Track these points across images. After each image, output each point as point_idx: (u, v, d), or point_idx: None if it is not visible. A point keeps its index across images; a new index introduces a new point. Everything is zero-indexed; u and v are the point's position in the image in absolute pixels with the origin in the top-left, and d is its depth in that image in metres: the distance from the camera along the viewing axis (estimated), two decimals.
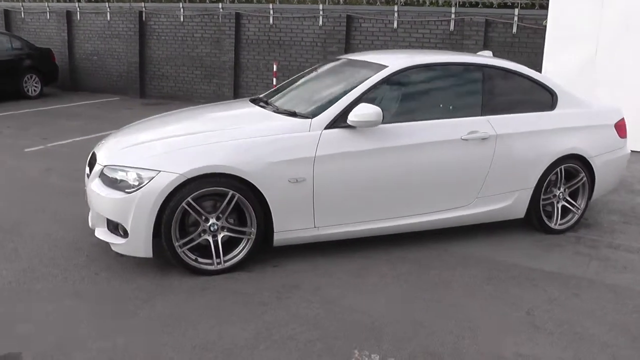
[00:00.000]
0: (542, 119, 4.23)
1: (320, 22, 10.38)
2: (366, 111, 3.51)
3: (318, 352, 2.72)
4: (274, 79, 10.36)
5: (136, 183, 3.30)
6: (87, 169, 3.83)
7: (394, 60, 3.94)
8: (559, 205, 4.40)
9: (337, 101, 3.69)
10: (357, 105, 3.61)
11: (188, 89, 11.58)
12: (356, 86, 3.76)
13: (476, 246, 4.09)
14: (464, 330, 2.95)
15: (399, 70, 3.86)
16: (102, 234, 3.51)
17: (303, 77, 4.72)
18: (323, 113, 3.63)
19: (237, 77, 11.09)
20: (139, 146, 3.57)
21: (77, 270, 3.51)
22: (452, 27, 9.61)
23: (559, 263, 3.88)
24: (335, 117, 3.62)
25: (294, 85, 4.56)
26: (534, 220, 4.33)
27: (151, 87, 11.88)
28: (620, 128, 4.59)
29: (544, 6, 9.21)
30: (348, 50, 10.29)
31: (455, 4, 9.70)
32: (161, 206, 3.27)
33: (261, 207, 3.45)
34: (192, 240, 3.40)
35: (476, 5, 9.76)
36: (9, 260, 3.65)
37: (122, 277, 3.43)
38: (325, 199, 3.58)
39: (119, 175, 3.39)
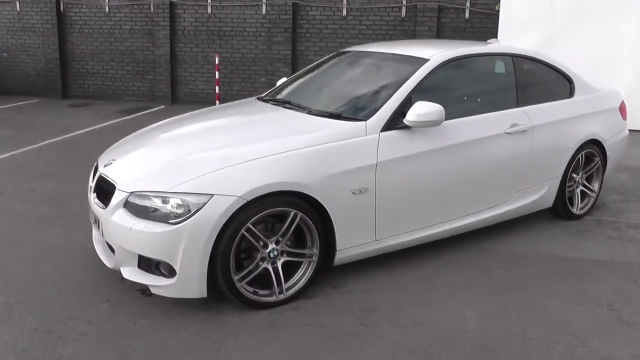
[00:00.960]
0: (565, 106, 4.20)
1: (264, 11, 9.86)
2: (427, 110, 3.22)
3: None
4: (217, 73, 9.70)
5: (180, 211, 2.77)
6: (92, 182, 3.28)
7: (433, 53, 3.67)
8: (578, 191, 4.44)
9: (386, 101, 3.35)
10: (408, 103, 3.32)
11: (118, 87, 10.52)
12: (401, 82, 3.45)
13: (514, 242, 3.97)
14: (569, 337, 2.80)
15: (441, 63, 3.60)
16: (133, 274, 2.94)
17: (311, 72, 4.33)
18: (376, 114, 3.29)
19: (174, 72, 10.26)
20: (172, 165, 3.02)
21: (106, 322, 2.90)
22: (403, 13, 9.53)
23: (599, 250, 3.88)
24: (390, 118, 3.29)
25: (308, 83, 4.15)
26: (559, 208, 4.32)
27: (75, 86, 10.65)
28: (623, 110, 4.71)
29: None
30: (295, 40, 9.89)
31: None
32: (217, 236, 2.77)
33: (322, 225, 3.07)
34: (250, 272, 2.94)
35: None
36: (8, 320, 2.92)
37: (168, 325, 2.87)
38: (387, 208, 3.26)
39: (154, 203, 2.84)
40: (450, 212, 3.60)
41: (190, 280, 2.80)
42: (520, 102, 3.93)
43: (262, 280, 3.01)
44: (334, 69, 4.23)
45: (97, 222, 3.14)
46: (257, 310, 2.99)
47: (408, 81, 3.45)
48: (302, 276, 3.10)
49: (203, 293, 2.85)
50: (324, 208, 3.02)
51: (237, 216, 2.78)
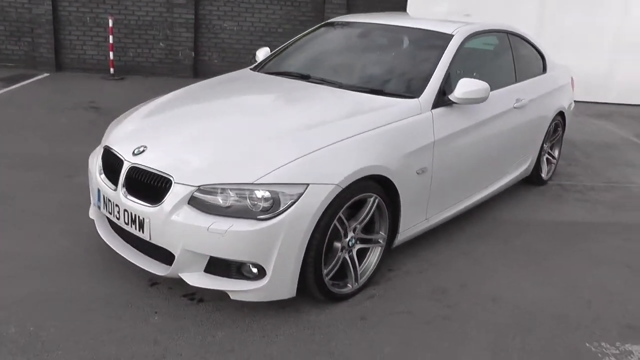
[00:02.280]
0: (543, 81, 4.52)
1: None
2: (474, 87, 3.22)
3: (562, 353, 2.53)
4: (110, 37, 8.63)
5: (268, 205, 2.43)
6: (101, 175, 2.86)
7: (453, 29, 3.65)
8: (544, 159, 4.86)
9: (429, 77, 3.27)
10: (449, 79, 3.29)
11: None
12: (435, 59, 3.40)
13: (510, 210, 4.23)
14: (615, 296, 3.08)
15: (465, 38, 3.62)
16: (202, 280, 2.54)
17: (311, 43, 4.07)
18: (425, 91, 3.20)
19: (58, 34, 8.86)
20: (241, 151, 2.62)
21: (177, 340, 2.47)
22: None
23: (578, 213, 4.31)
24: (437, 95, 3.23)
25: (319, 56, 3.89)
26: (533, 176, 4.69)
27: None
28: (572, 83, 5.23)
29: None
30: (198, 2, 9.13)
31: None
32: (313, 229, 2.50)
33: (392, 208, 2.94)
34: (335, 264, 2.72)
35: None
36: (44, 354, 2.35)
37: (256, 334, 2.55)
38: (438, 186, 3.24)
39: (232, 197, 2.46)
40: (480, 183, 3.74)
41: (282, 281, 2.50)
42: (518, 78, 4.14)
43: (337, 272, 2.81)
44: (345, 41, 4.00)
45: (134, 222, 2.62)
46: (335, 303, 2.80)
47: (443, 57, 3.41)
48: (371, 262, 2.96)
49: (293, 293, 2.57)
50: (395, 191, 2.89)
51: (332, 206, 2.54)
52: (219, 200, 2.47)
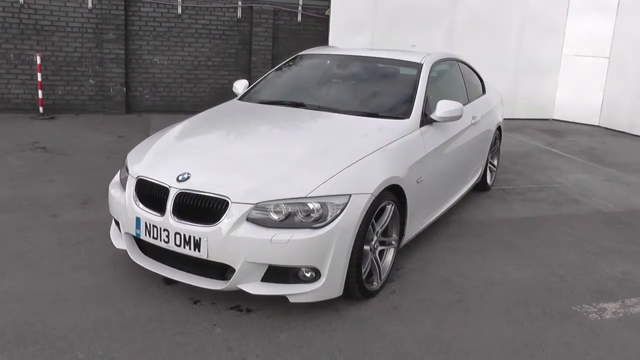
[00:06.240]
0: (485, 101, 5.29)
1: (90, 4, 8.85)
2: (452, 107, 3.80)
3: (557, 315, 3.11)
4: (39, 75, 8.39)
5: (318, 215, 2.80)
6: (139, 204, 3.00)
7: (422, 58, 4.26)
8: (488, 167, 5.63)
9: (413, 100, 3.83)
10: (429, 102, 3.87)
11: None
12: (412, 84, 3.97)
13: (471, 212, 4.88)
14: (578, 270, 3.78)
15: (432, 65, 4.23)
16: (262, 288, 2.83)
17: (288, 75, 4.47)
18: (413, 112, 3.74)
19: None
20: (283, 170, 2.96)
21: (253, 350, 2.71)
22: (239, 14, 9.73)
23: (525, 210, 5.07)
24: (422, 115, 3.78)
25: (305, 86, 4.30)
26: (481, 183, 5.41)
27: None
28: (502, 101, 6.09)
29: None
30: (128, 37, 9.16)
31: None
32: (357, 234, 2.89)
33: (401, 214, 3.40)
34: (368, 264, 3.12)
35: None
36: None
37: (315, 333, 2.86)
38: (429, 193, 3.76)
39: (285, 211, 2.79)
40: (454, 189, 4.33)
41: (334, 281, 2.85)
42: (470, 98, 4.85)
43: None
44: (324, 71, 4.45)
45: (188, 243, 2.83)
46: (365, 300, 3.18)
47: (420, 82, 3.99)
48: (387, 262, 3.39)
49: (341, 291, 2.93)
50: (404, 198, 3.36)
51: (367, 213, 2.95)
52: (274, 214, 2.78)
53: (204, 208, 2.84)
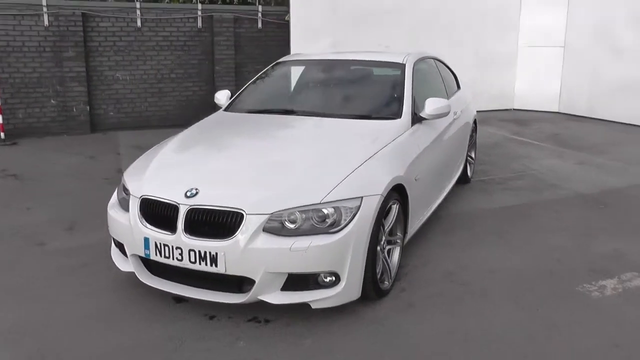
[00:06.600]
0: (460, 97, 5.44)
1: (46, 22, 8.57)
2: (440, 105, 3.90)
3: (563, 294, 3.23)
4: None
5: (333, 220, 2.82)
6: (145, 224, 2.96)
7: (403, 57, 4.35)
8: (467, 160, 5.79)
9: (402, 100, 3.91)
10: (416, 101, 3.96)
11: None
12: (399, 84, 4.05)
13: (457, 205, 5.01)
14: (572, 251, 3.95)
15: (414, 64, 4.32)
16: (284, 297, 2.83)
17: (271, 82, 4.49)
18: (404, 112, 3.82)
19: None
20: (290, 178, 2.98)
21: (277, 353, 2.71)
22: (199, 24, 9.63)
23: (508, 199, 5.24)
24: (411, 113, 3.86)
25: (294, 92, 4.32)
26: (462, 175, 5.56)
27: None
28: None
29: (281, 3, 10.35)
30: (88, 54, 8.93)
31: (202, 1, 9.74)
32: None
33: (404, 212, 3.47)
34: (380, 264, 3.16)
35: (222, 2, 10.08)
36: None
37: (337, 337, 2.88)
38: (425, 190, 3.85)
39: (300, 218, 2.80)
40: (443, 183, 4.44)
41: (354, 284, 2.89)
42: (448, 94, 4.98)
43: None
44: (309, 77, 4.47)
45: (204, 259, 2.80)
46: (379, 300, 3.22)
47: (406, 82, 4.07)
48: (394, 260, 3.44)
49: (359, 293, 2.97)
50: (406, 196, 3.43)
51: (378, 214, 2.99)
52: (289, 222, 2.79)
53: (217, 222, 2.82)
